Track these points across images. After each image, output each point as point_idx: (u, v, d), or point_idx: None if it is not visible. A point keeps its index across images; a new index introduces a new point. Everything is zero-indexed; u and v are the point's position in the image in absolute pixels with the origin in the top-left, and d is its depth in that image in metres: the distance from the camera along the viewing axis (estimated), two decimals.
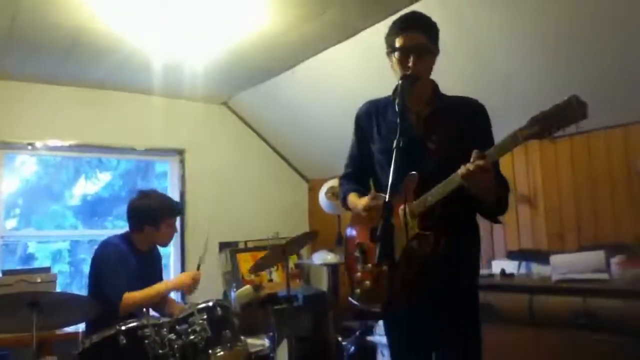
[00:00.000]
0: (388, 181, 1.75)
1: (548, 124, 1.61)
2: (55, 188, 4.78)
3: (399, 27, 2.02)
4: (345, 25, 3.46)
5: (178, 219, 4.53)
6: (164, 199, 3.26)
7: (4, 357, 3.52)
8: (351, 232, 2.25)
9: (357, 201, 2.13)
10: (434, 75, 2.11)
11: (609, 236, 3.19)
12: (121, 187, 5.11)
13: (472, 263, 2.12)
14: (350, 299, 2.07)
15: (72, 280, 4.72)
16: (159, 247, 3.38)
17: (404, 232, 1.87)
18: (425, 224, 1.87)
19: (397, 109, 1.91)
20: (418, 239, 1.86)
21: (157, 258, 3.37)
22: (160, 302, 3.19)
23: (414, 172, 1.89)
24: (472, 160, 1.72)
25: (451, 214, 1.89)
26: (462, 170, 1.75)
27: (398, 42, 2.00)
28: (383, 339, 3.55)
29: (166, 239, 3.28)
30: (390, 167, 1.78)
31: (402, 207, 1.89)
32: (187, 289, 3.18)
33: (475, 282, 2.10)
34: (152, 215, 3.11)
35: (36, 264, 4.53)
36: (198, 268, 3.23)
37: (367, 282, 1.95)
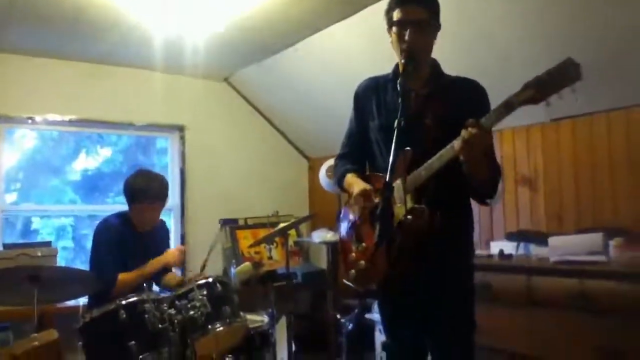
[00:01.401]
0: (384, 159, 1.72)
1: (542, 87, 1.61)
2: (56, 163, 4.76)
3: (397, 1, 1.97)
4: (348, 1, 3.41)
5: (176, 201, 4.51)
6: (145, 181, 3.03)
7: (5, 329, 3.55)
8: (346, 212, 2.21)
9: (355, 182, 2.08)
10: (437, 55, 2.08)
11: (608, 219, 3.20)
12: (122, 163, 5.09)
13: (467, 242, 2.12)
14: (345, 281, 2.05)
15: (75, 256, 4.73)
16: (165, 223, 3.37)
17: (399, 207, 1.88)
18: (419, 198, 1.87)
19: (398, 88, 1.89)
20: (412, 212, 1.84)
21: (160, 234, 3.31)
22: (158, 275, 3.18)
23: (407, 148, 1.85)
24: (465, 127, 1.70)
25: (445, 189, 1.88)
26: (457, 140, 1.73)
27: (396, 16, 1.96)
28: None
29: (139, 223, 3.10)
30: (387, 145, 1.75)
31: (396, 182, 1.88)
32: (177, 263, 3.21)
33: (470, 262, 2.11)
34: (128, 194, 3.05)
35: (39, 240, 4.53)
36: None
37: (362, 262, 1.94)
